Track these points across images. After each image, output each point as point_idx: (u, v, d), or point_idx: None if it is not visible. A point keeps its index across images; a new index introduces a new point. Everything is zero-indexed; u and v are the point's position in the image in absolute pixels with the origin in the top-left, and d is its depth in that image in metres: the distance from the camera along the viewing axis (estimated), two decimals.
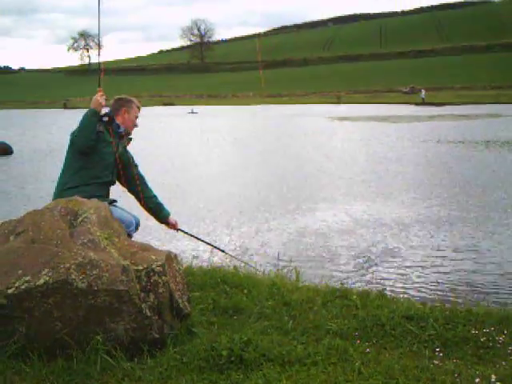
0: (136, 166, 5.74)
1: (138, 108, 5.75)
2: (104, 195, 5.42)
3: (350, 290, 5.66)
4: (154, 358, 3.97)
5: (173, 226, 6.02)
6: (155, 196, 5.88)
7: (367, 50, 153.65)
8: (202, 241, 6.83)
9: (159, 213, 5.90)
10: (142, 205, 5.80)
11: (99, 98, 5.26)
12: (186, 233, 6.35)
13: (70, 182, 5.30)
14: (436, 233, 9.92)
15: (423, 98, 65.98)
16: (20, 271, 3.86)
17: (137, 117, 5.72)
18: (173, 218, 6.02)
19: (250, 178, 16.84)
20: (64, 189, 5.29)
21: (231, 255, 7.05)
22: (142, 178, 5.76)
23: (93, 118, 5.25)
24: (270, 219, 11.26)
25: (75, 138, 5.29)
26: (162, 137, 31.45)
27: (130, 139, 5.81)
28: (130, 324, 3.97)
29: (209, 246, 7.07)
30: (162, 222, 6.03)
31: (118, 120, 5.54)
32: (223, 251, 6.78)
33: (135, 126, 5.73)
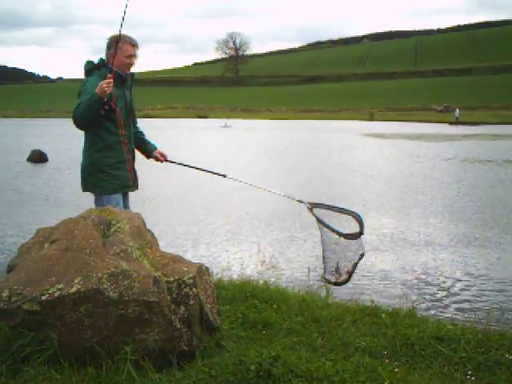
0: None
1: (132, 45, 5.33)
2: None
3: (379, 308, 5.62)
4: (183, 370, 3.97)
5: (161, 157, 5.80)
6: (140, 132, 5.82)
7: (402, 67, 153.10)
8: (194, 167, 6.07)
9: (145, 146, 5.83)
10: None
11: (105, 84, 4.92)
12: (175, 162, 5.96)
13: (93, 146, 5.36)
14: (467, 253, 9.80)
15: (457, 117, 65.45)
16: (53, 278, 3.90)
17: (131, 55, 5.33)
18: (160, 150, 5.87)
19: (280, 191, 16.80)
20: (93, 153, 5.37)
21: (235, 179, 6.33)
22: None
23: (95, 105, 5.03)
24: (300, 233, 11.22)
25: (75, 117, 5.12)
26: (197, 149, 31.61)
27: (133, 75, 5.54)
28: (160, 335, 3.97)
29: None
30: (148, 157, 5.88)
31: (113, 64, 5.24)
32: (224, 176, 6.22)
33: (131, 65, 5.37)
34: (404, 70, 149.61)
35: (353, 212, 5.17)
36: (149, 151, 5.82)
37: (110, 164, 5.36)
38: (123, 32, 5.10)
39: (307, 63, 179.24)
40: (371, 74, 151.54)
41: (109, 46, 5.32)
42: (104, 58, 5.38)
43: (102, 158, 5.36)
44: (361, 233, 4.87)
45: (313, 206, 5.33)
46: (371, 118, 74.05)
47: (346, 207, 5.24)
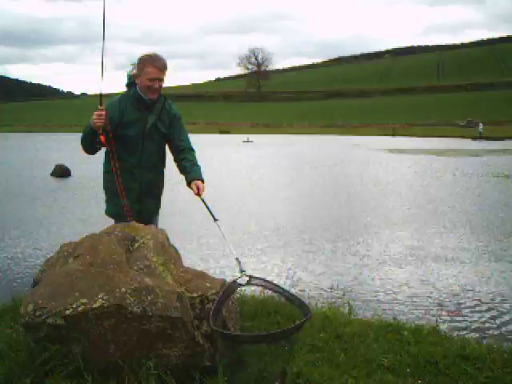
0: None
1: (155, 67, 5.04)
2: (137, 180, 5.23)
3: (402, 325, 5.57)
4: None
5: (195, 190, 5.18)
6: (184, 158, 5.33)
7: (424, 82, 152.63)
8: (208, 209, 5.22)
9: (184, 175, 5.31)
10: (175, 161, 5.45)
11: (95, 117, 4.85)
12: (205, 204, 5.19)
13: (105, 167, 5.30)
14: (491, 269, 9.69)
15: (480, 132, 64.94)
16: (77, 293, 3.93)
17: (153, 78, 5.03)
18: (198, 183, 5.22)
19: (303, 207, 16.80)
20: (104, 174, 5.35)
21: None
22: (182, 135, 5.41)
23: (88, 136, 5.00)
24: (322, 249, 11.19)
25: (80, 142, 5.14)
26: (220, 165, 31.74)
27: (165, 100, 5.28)
28: (183, 351, 3.98)
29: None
30: (187, 184, 5.31)
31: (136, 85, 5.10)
32: (215, 219, 5.19)
33: (155, 89, 5.08)
34: (426, 85, 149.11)
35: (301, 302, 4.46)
36: (187, 180, 5.30)
37: (110, 189, 5.30)
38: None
39: (329, 79, 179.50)
40: (393, 89, 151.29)
41: (136, 66, 5.19)
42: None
43: (105, 181, 5.37)
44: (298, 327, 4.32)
45: (250, 280, 4.61)
46: (394, 133, 73.75)
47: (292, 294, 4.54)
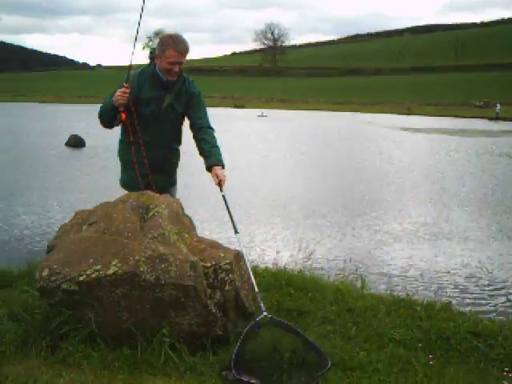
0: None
1: (176, 51, 4.90)
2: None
3: (414, 301, 5.56)
4: (217, 354, 4.00)
5: (216, 180, 4.95)
6: (203, 139, 5.16)
7: (442, 61, 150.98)
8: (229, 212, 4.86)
9: (204, 159, 5.11)
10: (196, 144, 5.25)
11: (119, 94, 4.82)
12: (224, 197, 4.96)
13: (121, 136, 5.29)
14: (505, 247, 9.66)
15: (498, 113, 64.24)
16: (91, 260, 3.94)
17: (173, 62, 4.90)
18: (219, 170, 4.98)
19: (318, 182, 16.78)
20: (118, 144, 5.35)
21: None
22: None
23: (109, 112, 4.97)
24: (335, 223, 11.19)
25: (98, 114, 5.10)
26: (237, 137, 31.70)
27: (185, 81, 5.16)
28: (195, 319, 4.00)
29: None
30: (207, 169, 5.10)
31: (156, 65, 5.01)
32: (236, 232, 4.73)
33: (174, 72, 4.96)
34: (444, 64, 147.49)
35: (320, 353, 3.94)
36: (206, 166, 5.08)
37: (124, 160, 5.29)
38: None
39: (345, 56, 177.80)
40: (410, 67, 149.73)
41: (157, 46, 5.01)
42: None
43: (121, 150, 5.34)
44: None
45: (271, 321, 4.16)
46: (408, 112, 73.12)
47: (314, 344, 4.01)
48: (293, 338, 3.92)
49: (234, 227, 4.66)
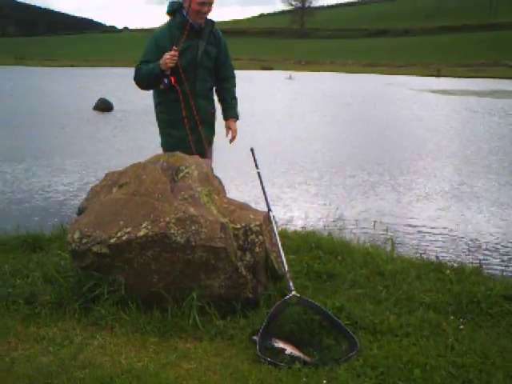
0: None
1: None
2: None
3: (444, 264, 5.47)
4: (247, 317, 3.99)
5: (228, 131, 5.41)
6: (225, 88, 5.44)
7: (474, 20, 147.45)
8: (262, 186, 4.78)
9: (222, 110, 5.47)
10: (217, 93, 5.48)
11: (169, 58, 4.81)
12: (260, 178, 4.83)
13: (157, 98, 5.27)
14: None
15: None
16: (121, 222, 3.94)
17: (203, 2, 4.90)
18: (233, 123, 5.43)
19: (348, 142, 16.65)
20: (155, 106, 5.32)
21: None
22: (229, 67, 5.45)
23: (156, 77, 4.94)
24: (364, 185, 11.11)
25: (136, 80, 5.07)
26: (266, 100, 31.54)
27: (213, 24, 5.17)
28: (225, 282, 3.99)
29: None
30: (224, 120, 5.47)
31: (187, 11, 4.95)
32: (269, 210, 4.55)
33: (203, 13, 4.97)
34: (476, 23, 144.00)
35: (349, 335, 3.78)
36: (223, 117, 5.47)
37: (166, 121, 5.25)
38: None
39: (374, 16, 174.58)
40: (440, 27, 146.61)
41: None
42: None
43: (159, 112, 5.31)
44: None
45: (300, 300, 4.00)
46: (438, 74, 71.78)
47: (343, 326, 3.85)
48: (321, 319, 3.88)
49: (268, 205, 4.63)
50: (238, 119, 5.49)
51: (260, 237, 4.12)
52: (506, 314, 4.26)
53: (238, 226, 4.11)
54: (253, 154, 4.97)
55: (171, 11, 5.12)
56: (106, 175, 4.62)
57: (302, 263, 5.05)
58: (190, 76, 5.09)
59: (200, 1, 4.88)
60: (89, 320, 3.90)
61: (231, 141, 5.44)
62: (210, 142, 5.50)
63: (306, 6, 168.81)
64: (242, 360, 3.53)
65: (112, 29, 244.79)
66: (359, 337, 3.75)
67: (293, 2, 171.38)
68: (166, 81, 4.94)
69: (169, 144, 5.25)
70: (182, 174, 4.32)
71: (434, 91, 41.25)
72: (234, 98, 5.49)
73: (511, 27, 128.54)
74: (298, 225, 7.60)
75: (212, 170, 4.65)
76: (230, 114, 5.42)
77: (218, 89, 5.45)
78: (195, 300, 3.89)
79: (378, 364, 3.45)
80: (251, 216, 4.21)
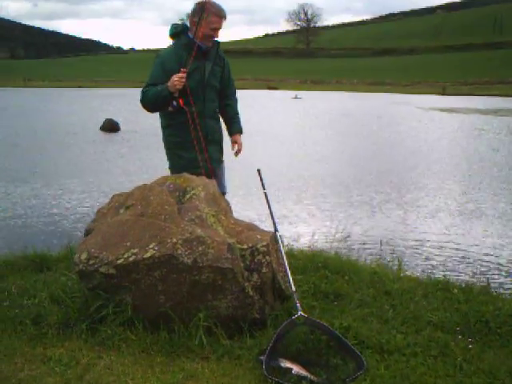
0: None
1: (218, 17, 5.00)
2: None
3: (452, 283, 5.46)
4: (254, 337, 3.98)
5: (234, 145, 5.49)
6: (229, 105, 5.53)
7: (479, 39, 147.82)
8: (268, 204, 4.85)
9: (227, 126, 5.58)
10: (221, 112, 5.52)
11: (177, 80, 4.79)
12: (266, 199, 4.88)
13: (164, 121, 5.29)
14: None
15: None
16: (128, 243, 3.95)
17: (216, 28, 5.01)
18: (238, 138, 5.52)
19: (352, 162, 16.67)
20: (163, 129, 5.34)
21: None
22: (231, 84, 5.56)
23: (164, 99, 4.92)
24: (370, 203, 11.11)
25: (143, 102, 5.05)
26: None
27: (218, 44, 5.24)
28: (232, 302, 3.98)
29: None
30: (230, 136, 5.59)
31: (195, 33, 4.94)
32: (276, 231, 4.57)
33: (213, 37, 5.07)
34: (482, 41, 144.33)
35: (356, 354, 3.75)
36: (229, 133, 5.59)
37: (176, 143, 5.24)
38: None
39: (378, 36, 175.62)
40: (445, 46, 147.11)
41: (194, 13, 4.99)
42: (187, 24, 5.15)
43: (168, 135, 5.30)
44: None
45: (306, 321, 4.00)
46: (443, 92, 71.93)
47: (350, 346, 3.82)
48: (328, 339, 3.87)
49: (274, 225, 4.64)
50: (242, 133, 5.62)
51: (267, 257, 4.12)
52: None
53: (245, 247, 4.11)
54: (259, 174, 5.01)
55: (174, 34, 5.17)
56: (113, 197, 4.65)
57: (309, 283, 5.04)
58: (199, 97, 5.12)
59: (213, 26, 4.96)
60: (95, 340, 3.89)
61: (237, 153, 5.54)
62: (219, 162, 5.51)
63: (311, 25, 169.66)
64: (249, 380, 3.52)
65: (118, 50, 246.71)
66: (366, 356, 3.73)
67: (298, 22, 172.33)
68: (174, 103, 4.95)
69: (179, 166, 5.22)
70: (188, 196, 4.34)
71: (439, 109, 41.32)
72: (237, 114, 5.63)
73: None
74: (304, 244, 7.60)
75: (225, 187, 4.65)
76: (235, 128, 5.55)
77: (221, 106, 5.49)
78: (202, 320, 3.88)
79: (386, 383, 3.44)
80: (258, 236, 4.22)
